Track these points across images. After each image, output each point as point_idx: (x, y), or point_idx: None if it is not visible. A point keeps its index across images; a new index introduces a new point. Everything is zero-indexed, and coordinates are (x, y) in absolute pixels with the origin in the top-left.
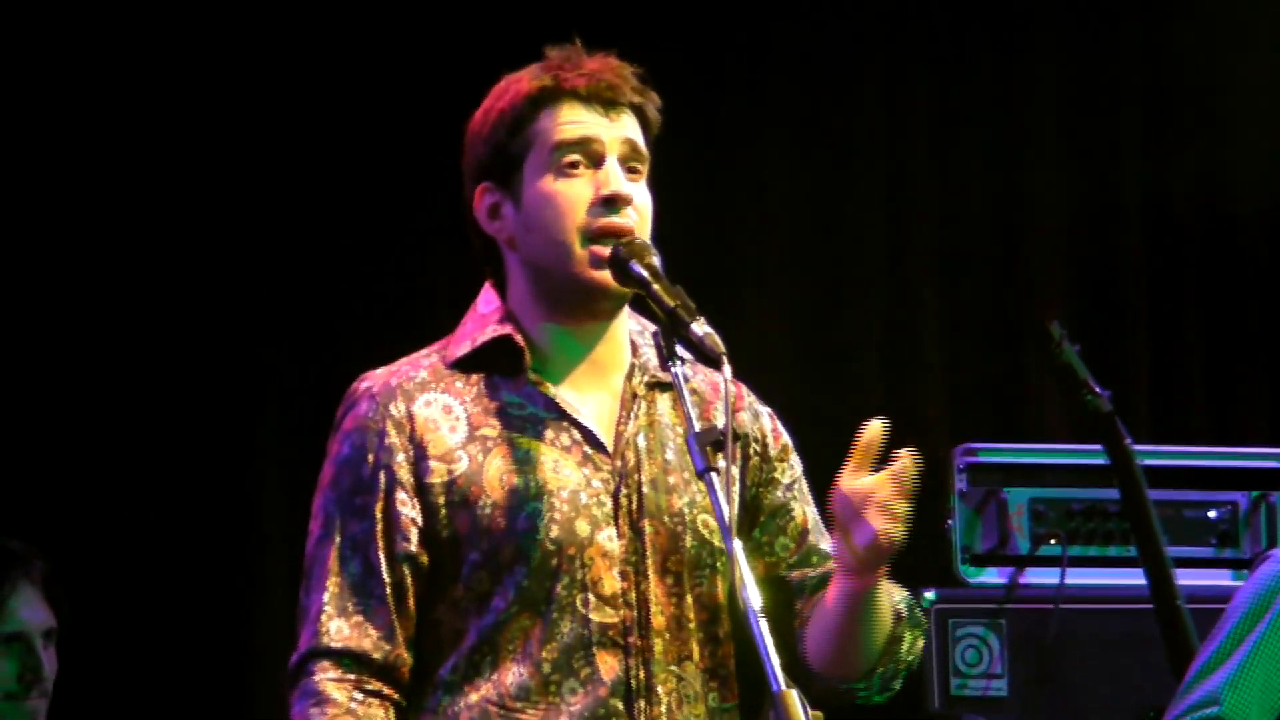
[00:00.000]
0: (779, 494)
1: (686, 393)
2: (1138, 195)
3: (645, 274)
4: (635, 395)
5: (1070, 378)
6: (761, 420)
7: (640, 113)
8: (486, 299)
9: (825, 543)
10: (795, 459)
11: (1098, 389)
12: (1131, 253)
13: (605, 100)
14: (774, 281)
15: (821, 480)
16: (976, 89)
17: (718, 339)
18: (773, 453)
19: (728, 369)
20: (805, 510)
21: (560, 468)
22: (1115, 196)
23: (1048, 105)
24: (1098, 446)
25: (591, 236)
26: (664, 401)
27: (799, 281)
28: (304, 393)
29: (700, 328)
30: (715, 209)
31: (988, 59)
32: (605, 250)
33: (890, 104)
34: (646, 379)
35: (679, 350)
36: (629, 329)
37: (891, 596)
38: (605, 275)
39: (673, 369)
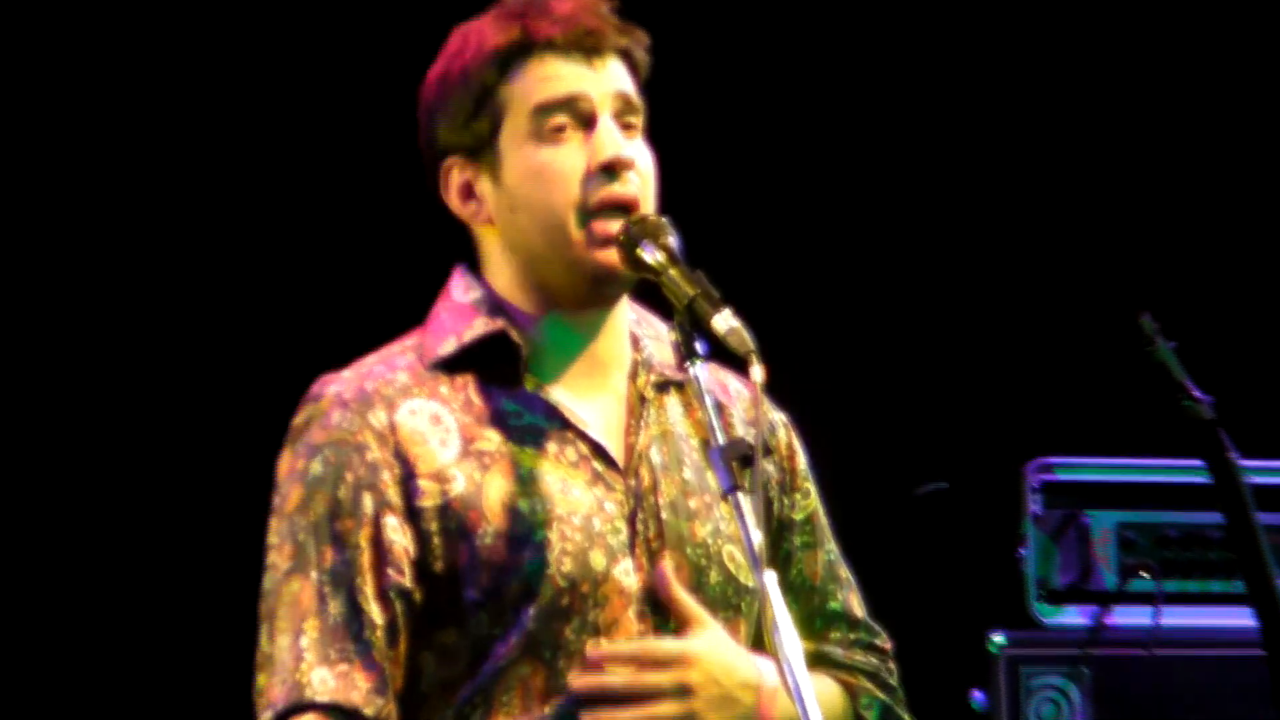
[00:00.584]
0: (792, 539)
1: (709, 400)
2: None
3: (661, 257)
4: (643, 399)
5: (1165, 380)
6: (779, 433)
7: (628, 57)
8: (462, 285)
9: (836, 599)
10: (813, 486)
11: (1197, 393)
12: (1234, 235)
13: (587, 48)
14: (808, 266)
15: (853, 509)
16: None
17: (746, 334)
18: (790, 479)
19: (758, 370)
20: (817, 558)
21: (568, 488)
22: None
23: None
24: (1197, 462)
25: (591, 211)
26: (674, 406)
27: (836, 266)
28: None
29: (725, 321)
30: (736, 178)
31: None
32: (611, 226)
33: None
34: (654, 379)
35: (699, 348)
36: (628, 318)
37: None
38: (612, 255)
39: (690, 369)
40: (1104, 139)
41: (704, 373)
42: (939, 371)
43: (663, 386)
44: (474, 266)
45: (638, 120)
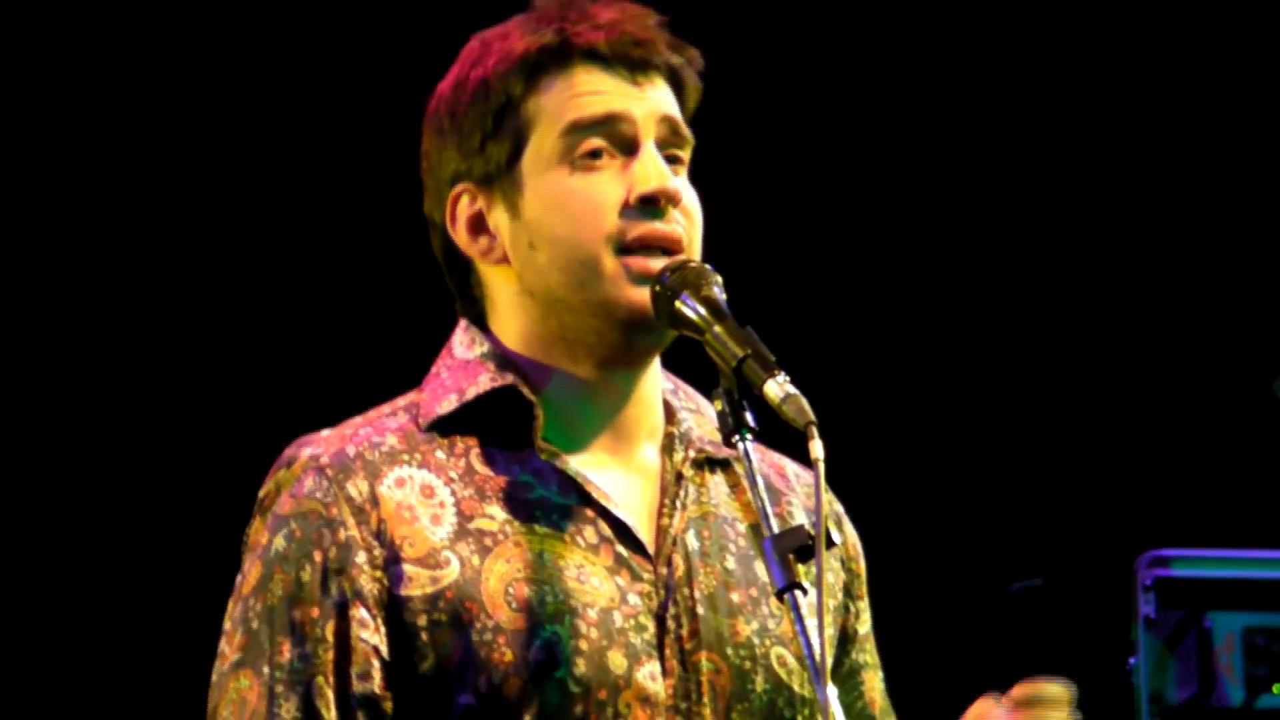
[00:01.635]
0: (854, 655)
1: (761, 481)
2: None
3: (704, 311)
4: (680, 477)
5: None
6: (845, 528)
7: (677, 79)
8: (466, 340)
9: None
10: (866, 596)
11: None
12: None
13: (633, 62)
14: (898, 336)
15: (937, 609)
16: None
17: (805, 403)
18: (854, 584)
19: (818, 445)
20: (876, 681)
21: (586, 576)
22: None
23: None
24: None
25: (628, 247)
26: (718, 485)
27: (931, 339)
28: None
29: (779, 387)
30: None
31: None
32: (652, 263)
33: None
34: (693, 454)
35: (749, 418)
36: (661, 387)
37: None
38: (648, 295)
39: (740, 444)
40: (1227, 220)
41: (755, 451)
42: (1038, 451)
43: (703, 464)
44: (480, 321)
45: (685, 153)
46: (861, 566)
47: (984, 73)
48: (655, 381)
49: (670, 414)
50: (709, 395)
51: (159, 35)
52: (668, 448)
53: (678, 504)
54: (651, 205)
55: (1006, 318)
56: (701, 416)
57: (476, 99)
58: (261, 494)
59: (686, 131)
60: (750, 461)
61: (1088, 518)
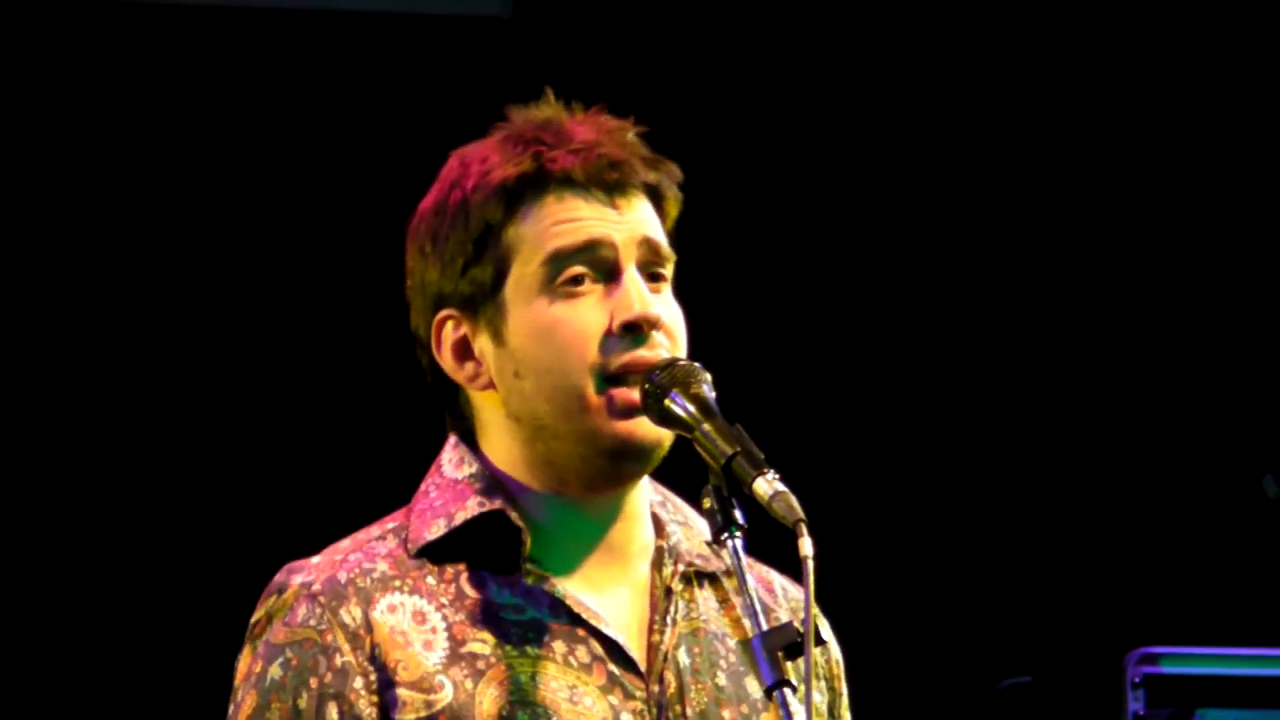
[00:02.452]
0: None
1: (751, 579)
2: None
3: (693, 409)
4: (669, 592)
5: None
6: (830, 647)
7: (656, 195)
8: (455, 459)
9: None
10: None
11: None
12: None
13: (610, 185)
14: (877, 418)
15: (924, 707)
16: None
17: (794, 501)
18: (838, 706)
19: (807, 542)
20: None
21: (579, 696)
22: None
23: None
24: None
25: (611, 376)
26: (707, 600)
27: (909, 421)
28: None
29: (768, 485)
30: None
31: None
32: (633, 394)
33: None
34: (682, 569)
35: (738, 516)
36: (649, 499)
37: None
38: (634, 426)
39: (730, 541)
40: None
41: (744, 553)
42: (1027, 544)
43: (692, 579)
44: (469, 438)
45: (667, 270)
46: (844, 686)
47: (973, 108)
48: (643, 497)
49: (659, 527)
50: (698, 494)
51: (151, 144)
52: (657, 562)
53: (668, 620)
54: (634, 331)
55: (997, 409)
56: (689, 529)
57: (457, 224)
58: (253, 621)
59: (667, 250)
60: (739, 558)
61: (1077, 614)
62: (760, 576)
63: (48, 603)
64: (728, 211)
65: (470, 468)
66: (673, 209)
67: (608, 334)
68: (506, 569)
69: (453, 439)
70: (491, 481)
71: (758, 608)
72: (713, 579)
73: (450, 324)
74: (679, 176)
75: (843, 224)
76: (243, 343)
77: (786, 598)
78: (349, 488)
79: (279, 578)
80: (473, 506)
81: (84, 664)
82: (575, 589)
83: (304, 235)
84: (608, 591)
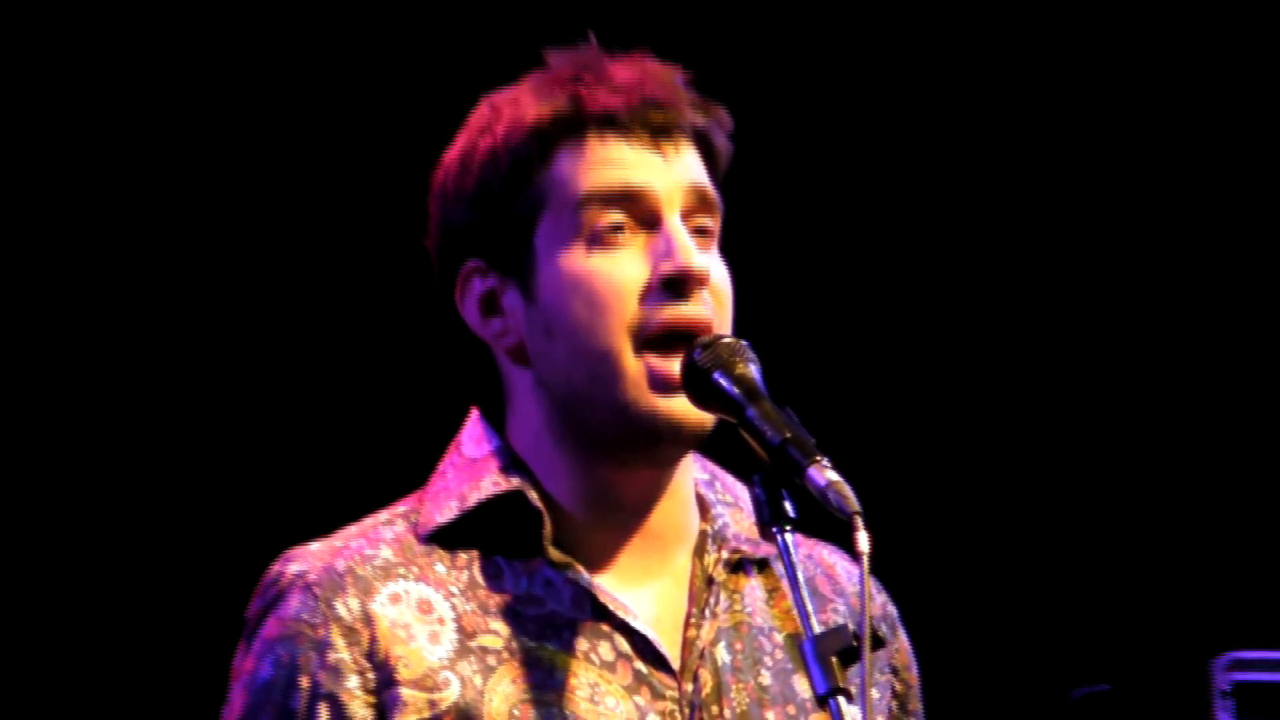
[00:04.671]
0: None
1: (802, 576)
2: None
3: (739, 393)
4: (711, 581)
5: None
6: (899, 634)
7: (704, 142)
8: (475, 435)
9: None
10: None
11: None
12: None
13: (655, 127)
14: (939, 417)
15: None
16: None
17: (849, 492)
18: (906, 696)
19: (864, 537)
20: None
21: (600, 696)
22: None
23: None
24: None
25: (650, 340)
26: (753, 590)
27: (986, 419)
28: None
29: (822, 474)
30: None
31: None
32: (673, 366)
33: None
34: (726, 555)
35: (789, 508)
36: (694, 478)
37: None
38: (673, 406)
39: (780, 537)
40: None
41: (796, 546)
42: (1106, 544)
43: (739, 566)
44: (495, 409)
45: (714, 223)
46: (915, 677)
47: (976, 120)
48: (687, 476)
49: (704, 509)
50: (748, 473)
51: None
52: (699, 548)
53: (707, 613)
54: (677, 286)
55: (1076, 405)
56: (738, 511)
57: (486, 170)
58: (247, 615)
59: (716, 199)
60: (789, 555)
61: (1158, 615)
62: (821, 561)
63: (47, 600)
64: (766, 183)
65: (491, 444)
66: (721, 159)
67: (647, 289)
68: (526, 554)
69: (475, 414)
70: (512, 459)
71: (808, 607)
72: (762, 565)
73: (477, 276)
74: (729, 124)
75: (895, 211)
76: (251, 321)
77: (853, 584)
78: (367, 469)
79: (275, 566)
80: (487, 486)
81: (83, 662)
82: (604, 578)
83: (316, 203)
84: (642, 581)
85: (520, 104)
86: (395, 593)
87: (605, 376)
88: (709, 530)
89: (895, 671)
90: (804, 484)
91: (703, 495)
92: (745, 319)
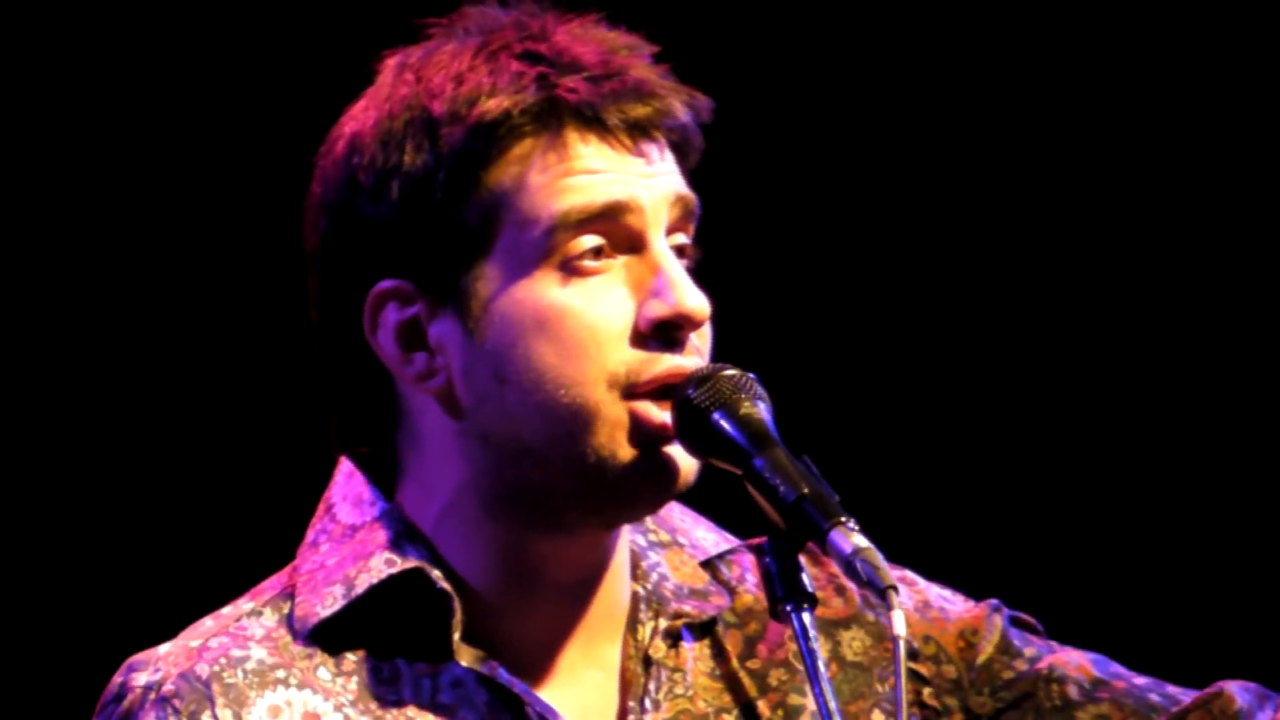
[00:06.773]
0: (1044, 694)
1: (822, 665)
2: None
3: (744, 437)
4: (649, 662)
5: None
6: (934, 610)
7: (683, 138)
8: (352, 494)
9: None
10: (991, 621)
11: None
12: None
13: (637, 124)
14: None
15: None
16: None
17: (881, 561)
18: (967, 673)
19: (899, 618)
20: (1068, 659)
21: None
22: None
23: None
24: None
25: (638, 391)
26: (698, 661)
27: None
28: None
29: (847, 538)
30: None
31: None
32: (664, 414)
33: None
34: (665, 624)
35: (806, 582)
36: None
37: None
38: (662, 459)
39: (795, 617)
40: None
41: (813, 625)
42: (1105, 545)
43: (678, 636)
44: (374, 460)
45: (690, 233)
46: (958, 636)
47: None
48: (624, 539)
49: (634, 561)
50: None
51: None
52: (631, 618)
53: (647, 703)
54: (670, 334)
55: (1077, 413)
56: (676, 551)
57: (420, 161)
58: None
59: (697, 208)
60: (806, 641)
61: (1160, 618)
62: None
63: (46, 598)
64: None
65: (376, 507)
66: (694, 156)
67: (634, 332)
68: (431, 650)
69: (347, 465)
70: (405, 527)
71: (832, 707)
72: (706, 628)
73: (394, 301)
74: (709, 113)
75: (889, 211)
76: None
77: (869, 605)
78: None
79: (117, 678)
80: (378, 566)
81: (83, 660)
82: (525, 673)
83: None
84: (568, 674)
85: (465, 81)
86: (274, 704)
87: (574, 430)
88: (641, 592)
89: (933, 661)
90: (824, 549)
91: (632, 542)
92: (723, 326)
